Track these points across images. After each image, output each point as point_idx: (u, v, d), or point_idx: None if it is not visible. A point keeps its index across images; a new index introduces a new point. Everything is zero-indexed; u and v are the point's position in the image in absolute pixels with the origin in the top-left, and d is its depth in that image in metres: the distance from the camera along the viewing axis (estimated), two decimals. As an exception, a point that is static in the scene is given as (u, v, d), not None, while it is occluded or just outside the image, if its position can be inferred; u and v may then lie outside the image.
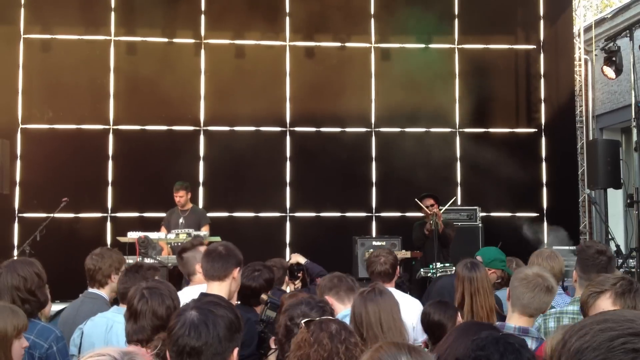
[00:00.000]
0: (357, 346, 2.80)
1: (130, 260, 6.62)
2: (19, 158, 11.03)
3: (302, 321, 2.86)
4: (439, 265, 8.00)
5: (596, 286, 3.09)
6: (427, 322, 4.08)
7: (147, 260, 7.81)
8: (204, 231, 8.97)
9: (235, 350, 2.43)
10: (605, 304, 2.96)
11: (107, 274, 4.64)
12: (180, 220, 9.48)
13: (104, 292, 4.67)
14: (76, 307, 4.64)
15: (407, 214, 10.92)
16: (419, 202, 8.99)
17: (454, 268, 7.94)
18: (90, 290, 4.68)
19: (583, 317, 3.02)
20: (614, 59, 10.58)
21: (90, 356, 1.54)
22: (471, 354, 2.15)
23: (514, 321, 3.49)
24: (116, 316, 4.01)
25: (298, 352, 2.76)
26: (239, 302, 4.28)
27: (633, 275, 8.92)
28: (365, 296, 3.54)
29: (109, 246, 10.67)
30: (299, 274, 5.59)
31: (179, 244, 8.65)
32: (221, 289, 3.94)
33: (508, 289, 3.65)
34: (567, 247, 10.02)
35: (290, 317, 3.21)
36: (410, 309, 4.63)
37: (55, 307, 5.23)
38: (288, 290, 5.74)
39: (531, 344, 3.33)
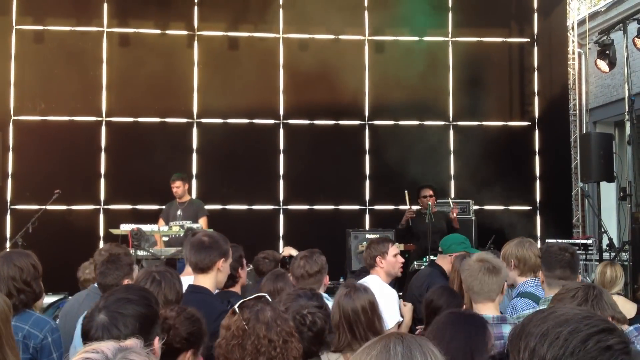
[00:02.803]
0: (293, 335, 2.76)
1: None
2: (11, 150, 10.98)
3: (236, 306, 2.79)
4: (432, 258, 8.01)
5: (554, 301, 3.15)
6: (431, 308, 4.10)
7: (140, 253, 7.80)
8: (201, 223, 8.96)
9: (156, 340, 2.38)
10: None
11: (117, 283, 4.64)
12: (178, 212, 9.46)
13: None
14: (80, 300, 4.60)
15: (401, 207, 10.90)
16: (406, 196, 9.10)
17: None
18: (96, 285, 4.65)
19: None
20: (607, 52, 10.61)
21: (84, 352, 1.51)
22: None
23: (485, 311, 3.55)
24: None
25: (232, 340, 2.70)
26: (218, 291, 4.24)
27: (626, 269, 8.96)
28: (344, 297, 3.50)
29: (101, 239, 10.73)
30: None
31: (173, 236, 8.67)
32: (206, 280, 3.90)
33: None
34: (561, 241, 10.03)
35: (297, 311, 3.16)
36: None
37: (47, 299, 5.23)
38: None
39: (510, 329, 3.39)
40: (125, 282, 4.13)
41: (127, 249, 5.02)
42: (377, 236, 9.99)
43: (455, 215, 9.14)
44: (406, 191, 9.29)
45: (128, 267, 4.26)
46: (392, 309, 4.78)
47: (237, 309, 2.73)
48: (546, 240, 8.92)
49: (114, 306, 2.39)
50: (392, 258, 5.21)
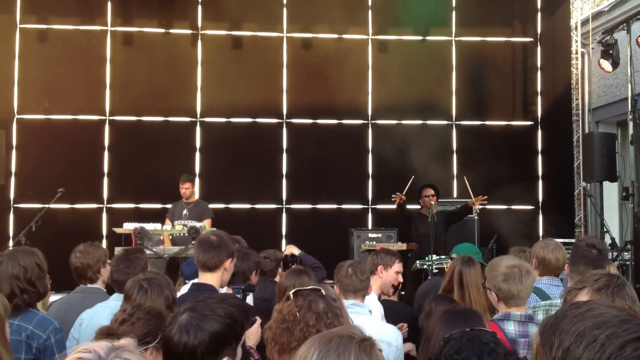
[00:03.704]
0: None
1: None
2: (14, 148, 11.00)
3: (291, 292, 2.81)
4: (434, 257, 8.01)
5: (578, 283, 3.12)
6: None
7: (143, 252, 7.80)
8: (203, 224, 8.97)
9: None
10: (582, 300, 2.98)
11: (97, 269, 4.65)
12: (184, 212, 9.47)
13: (100, 285, 4.68)
14: (78, 302, 4.56)
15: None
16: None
17: (449, 260, 7.97)
18: (88, 285, 4.66)
19: None
20: (610, 52, 10.58)
21: (77, 352, 1.52)
22: (448, 359, 2.13)
23: (516, 310, 3.57)
24: (118, 304, 4.02)
25: (282, 324, 2.73)
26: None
27: (627, 268, 8.96)
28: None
29: (104, 237, 10.75)
30: (293, 266, 5.57)
31: (176, 235, 8.68)
32: (212, 278, 3.95)
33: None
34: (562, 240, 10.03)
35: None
36: None
37: (52, 297, 5.24)
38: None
39: (537, 329, 3.40)
40: None
41: (98, 243, 4.99)
42: (379, 235, 10.08)
43: (477, 205, 9.08)
44: (412, 177, 9.37)
45: (144, 266, 4.26)
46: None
47: (291, 295, 2.77)
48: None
49: (198, 314, 2.40)
50: (394, 273, 5.20)
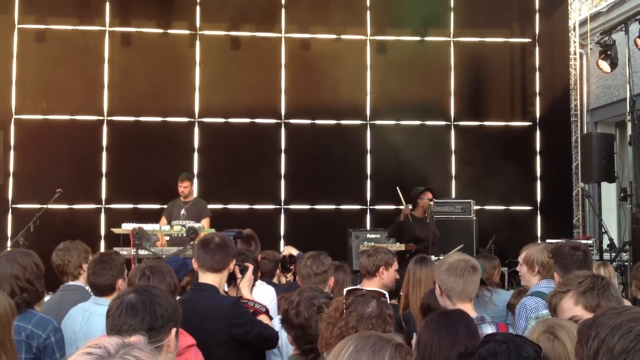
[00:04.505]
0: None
1: (124, 252, 6.60)
2: (12, 148, 10.98)
3: (346, 289, 2.80)
4: (433, 258, 8.00)
5: (562, 286, 3.11)
6: (426, 312, 4.11)
7: (142, 252, 7.80)
8: (203, 224, 8.96)
9: (173, 331, 2.45)
10: (568, 303, 2.96)
11: (78, 265, 4.67)
12: (182, 212, 9.45)
13: (82, 283, 4.67)
14: (57, 301, 4.58)
15: (402, 207, 10.91)
16: (399, 193, 9.10)
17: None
18: (68, 282, 4.67)
19: (552, 317, 3.05)
20: (609, 52, 10.60)
21: (87, 346, 1.52)
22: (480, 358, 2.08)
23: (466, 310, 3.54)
24: (93, 307, 4.03)
25: (329, 318, 2.72)
26: None
27: (626, 269, 8.97)
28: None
29: (103, 238, 10.75)
30: (291, 266, 5.56)
31: (175, 235, 8.67)
32: (216, 279, 3.95)
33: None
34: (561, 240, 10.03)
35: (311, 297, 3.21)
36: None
37: (46, 298, 5.23)
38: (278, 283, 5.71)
39: (491, 329, 3.46)
40: (119, 282, 4.13)
41: (79, 241, 4.99)
42: (378, 236, 10.08)
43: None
44: (397, 188, 9.31)
45: (120, 267, 4.25)
46: None
47: (345, 292, 2.77)
48: (547, 241, 8.92)
49: (142, 290, 2.53)
50: (394, 272, 5.20)
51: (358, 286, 4.38)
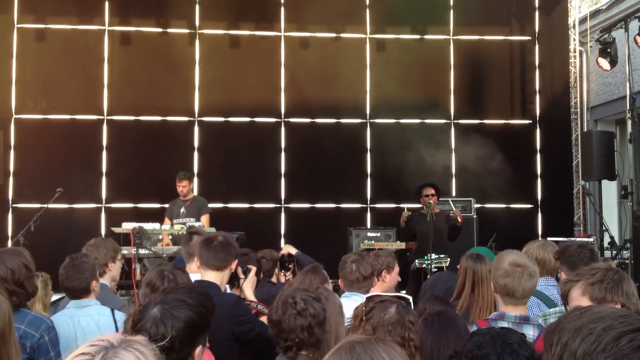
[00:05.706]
0: (407, 341, 2.66)
1: (124, 251, 6.60)
2: (12, 148, 10.99)
3: (367, 295, 2.78)
4: (433, 256, 8.01)
5: (575, 275, 3.10)
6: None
7: (142, 251, 7.79)
8: (202, 221, 8.96)
9: (198, 349, 2.37)
10: (576, 293, 2.98)
11: (104, 263, 4.67)
12: (182, 210, 9.45)
13: (106, 281, 4.68)
14: (65, 302, 4.58)
15: (402, 205, 10.90)
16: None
17: (448, 259, 7.98)
18: None
19: (564, 305, 3.06)
20: (609, 50, 10.59)
21: (91, 341, 1.56)
22: (468, 353, 2.12)
23: (512, 310, 3.48)
24: (76, 312, 4.04)
25: (350, 325, 2.71)
26: None
27: (627, 267, 8.96)
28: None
29: (103, 237, 10.73)
30: (290, 265, 5.55)
31: (175, 234, 8.67)
32: (218, 277, 3.98)
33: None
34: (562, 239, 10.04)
35: (290, 295, 3.13)
36: None
37: (54, 297, 5.23)
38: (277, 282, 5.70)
39: (533, 331, 3.38)
40: (93, 284, 4.11)
41: (111, 239, 4.99)
42: (378, 234, 10.07)
43: (458, 214, 9.08)
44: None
45: (92, 269, 4.19)
46: None
47: (365, 298, 2.75)
48: (547, 239, 8.92)
49: (170, 305, 2.38)
50: (396, 275, 5.17)
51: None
